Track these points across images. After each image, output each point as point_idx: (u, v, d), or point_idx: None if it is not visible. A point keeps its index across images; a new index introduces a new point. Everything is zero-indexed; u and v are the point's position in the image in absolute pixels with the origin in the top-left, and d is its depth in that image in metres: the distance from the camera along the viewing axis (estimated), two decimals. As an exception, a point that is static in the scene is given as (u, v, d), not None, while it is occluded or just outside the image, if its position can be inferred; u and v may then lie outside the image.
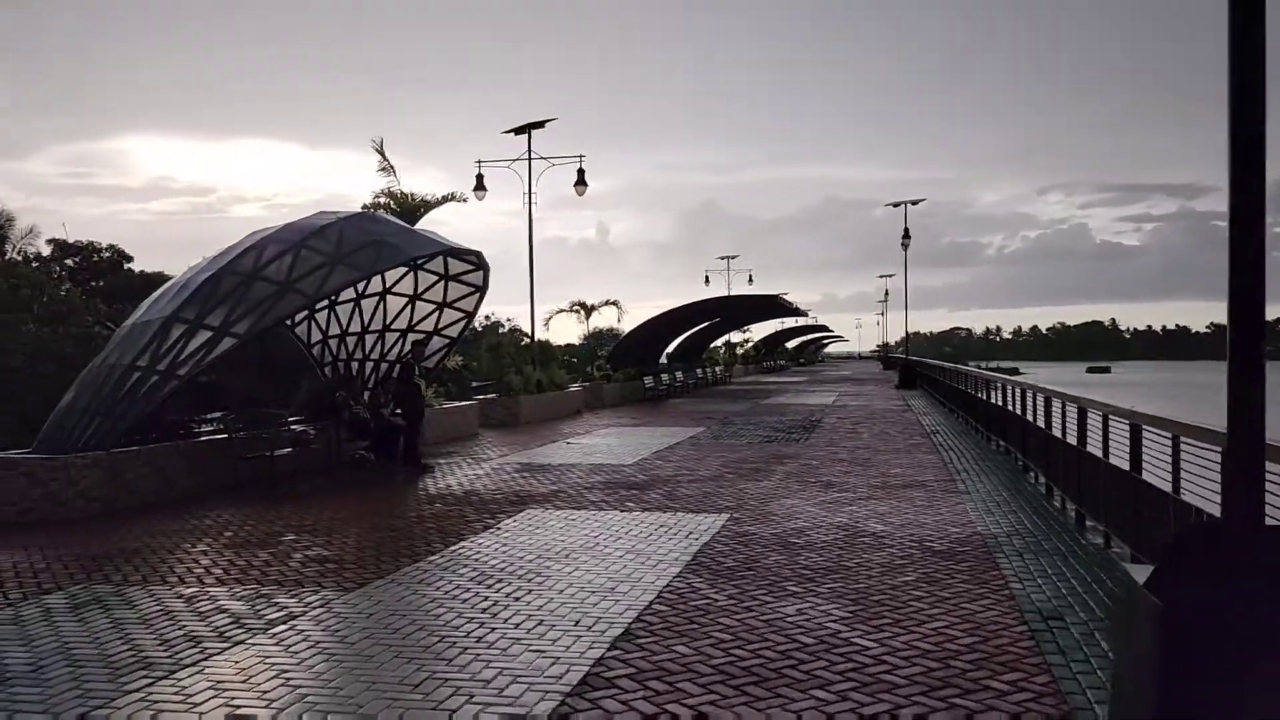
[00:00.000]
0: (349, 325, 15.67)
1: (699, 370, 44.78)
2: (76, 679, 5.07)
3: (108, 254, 49.58)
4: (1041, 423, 11.31)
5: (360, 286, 15.30)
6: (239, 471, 11.92)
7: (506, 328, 64.87)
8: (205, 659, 5.38)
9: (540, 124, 25.24)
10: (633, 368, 34.01)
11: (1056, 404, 10.75)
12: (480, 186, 25.80)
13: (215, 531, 9.27)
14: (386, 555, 8.15)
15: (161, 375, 10.67)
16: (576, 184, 25.57)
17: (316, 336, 15.54)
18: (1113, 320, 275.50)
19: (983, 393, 18.27)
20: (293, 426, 13.25)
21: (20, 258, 44.55)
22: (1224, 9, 3.23)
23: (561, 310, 34.05)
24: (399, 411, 14.16)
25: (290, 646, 5.59)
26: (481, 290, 15.37)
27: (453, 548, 8.45)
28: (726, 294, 51.46)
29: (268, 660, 5.35)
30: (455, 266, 14.98)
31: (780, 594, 6.71)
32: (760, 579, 7.16)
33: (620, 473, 13.42)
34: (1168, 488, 6.85)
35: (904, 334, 47.36)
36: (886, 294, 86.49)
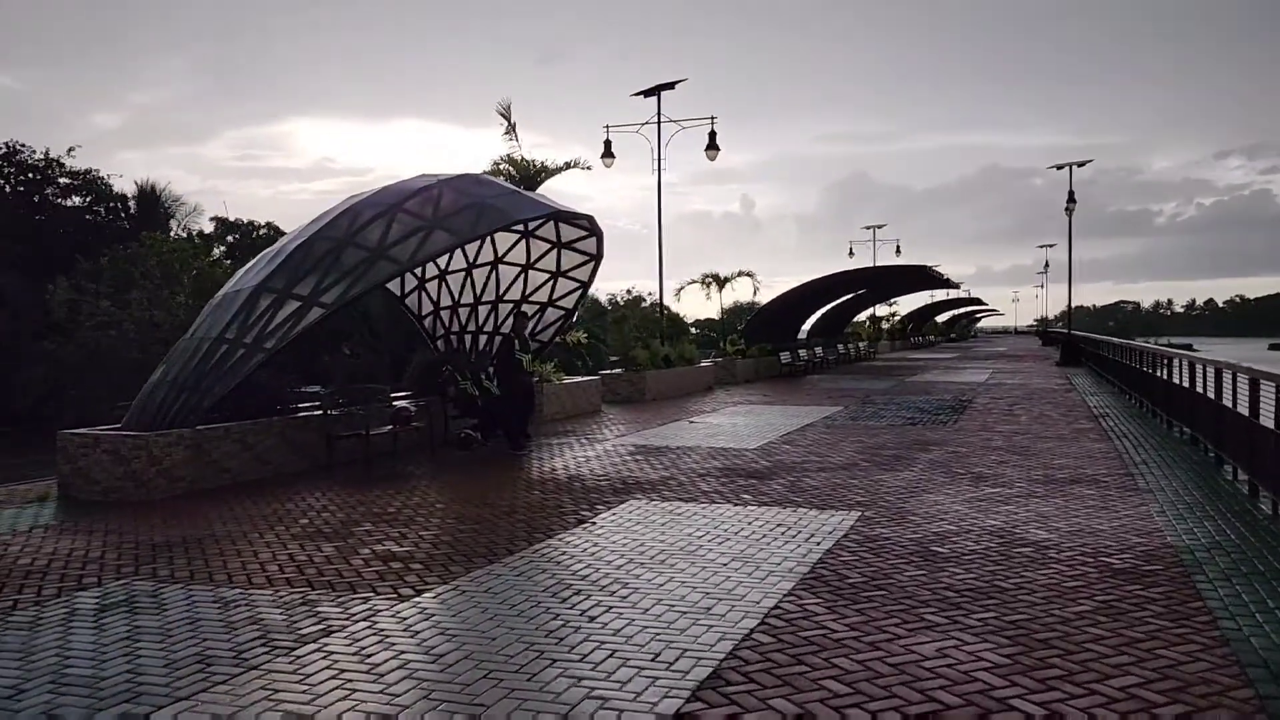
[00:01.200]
0: (461, 296, 14.94)
1: (840, 345, 42.78)
2: (50, 710, 4.27)
3: (264, 230, 51.50)
4: (1244, 409, 9.41)
5: (471, 255, 14.54)
6: (334, 450, 11.30)
7: (648, 302, 64.06)
8: (205, 689, 4.50)
9: (670, 85, 23.98)
10: (768, 342, 32.52)
11: (1268, 387, 8.87)
12: (608, 153, 24.80)
13: (291, 518, 8.57)
14: (460, 553, 7.20)
15: (248, 348, 10.07)
16: (708, 148, 24.21)
17: (428, 308, 14.89)
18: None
19: (1162, 371, 16.08)
20: (395, 403, 12.59)
21: (185, 234, 46.56)
22: None
23: (693, 282, 32.61)
24: (501, 390, 13.31)
25: (308, 675, 4.66)
26: (596, 258, 14.31)
27: (536, 547, 7.43)
28: (871, 265, 49.11)
29: (275, 694, 4.42)
30: (568, 233, 13.99)
31: (916, 624, 5.38)
32: (892, 601, 5.83)
33: (742, 458, 12.18)
34: None
35: (1066, 307, 43.98)
36: (1046, 265, 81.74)
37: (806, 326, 44.02)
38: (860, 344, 48.89)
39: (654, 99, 24.14)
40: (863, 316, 59.72)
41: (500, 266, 14.71)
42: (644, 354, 22.39)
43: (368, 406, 11.66)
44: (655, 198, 23.60)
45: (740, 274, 32.98)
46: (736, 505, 9.00)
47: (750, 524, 8.15)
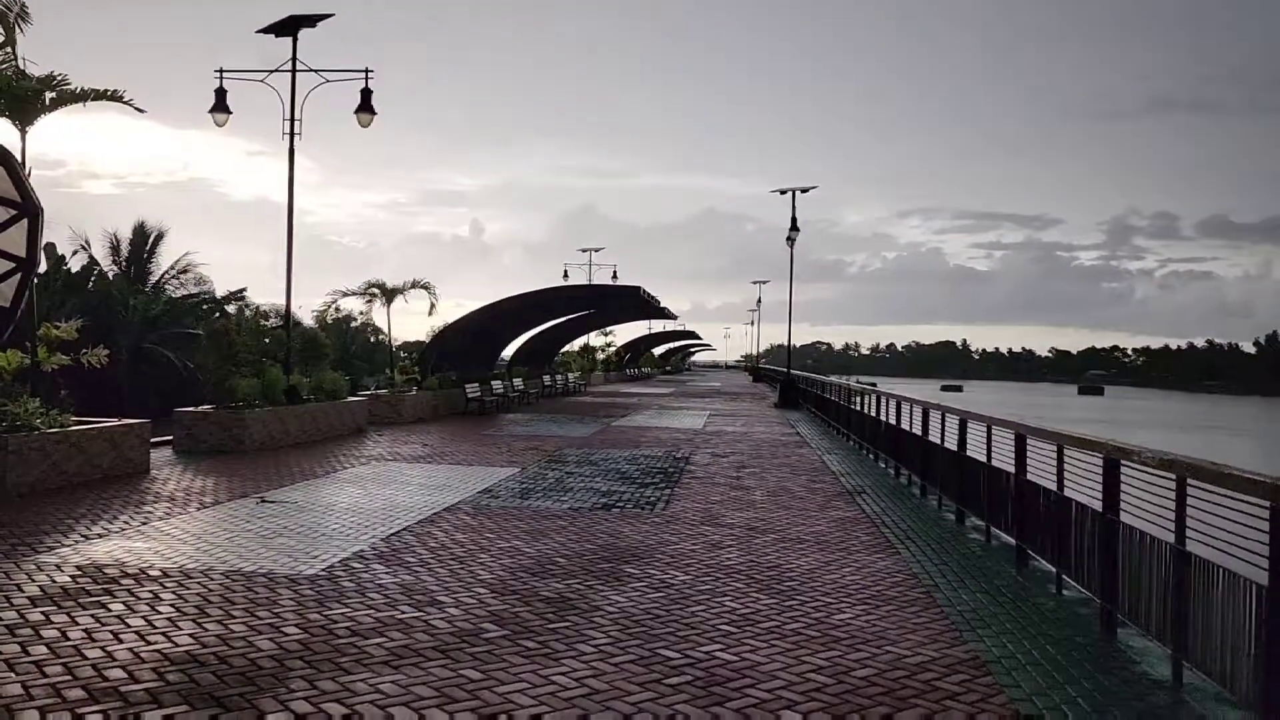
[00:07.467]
0: None
1: (546, 377, 37.71)
2: None
3: None
4: (1169, 534, 4.69)
5: None
6: None
7: (359, 321, 55.74)
8: None
9: (310, 20, 17.61)
10: (457, 370, 26.64)
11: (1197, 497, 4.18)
12: (221, 107, 18.01)
13: None
14: None
15: None
16: (359, 109, 18.07)
17: None
18: (964, 341, 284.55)
19: (940, 434, 11.78)
20: None
21: None
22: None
23: (349, 294, 25.99)
24: None
25: None
26: (23, 211, 7.76)
27: None
28: (584, 284, 44.66)
29: None
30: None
31: None
32: None
33: (269, 608, 6.20)
34: None
35: (779, 343, 41.58)
36: (759, 301, 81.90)
37: (509, 353, 38.68)
38: (570, 375, 44.24)
39: (290, 40, 17.72)
40: (576, 345, 55.37)
41: None
42: (248, 384, 15.77)
43: None
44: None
45: (415, 285, 26.55)
46: None
47: None
